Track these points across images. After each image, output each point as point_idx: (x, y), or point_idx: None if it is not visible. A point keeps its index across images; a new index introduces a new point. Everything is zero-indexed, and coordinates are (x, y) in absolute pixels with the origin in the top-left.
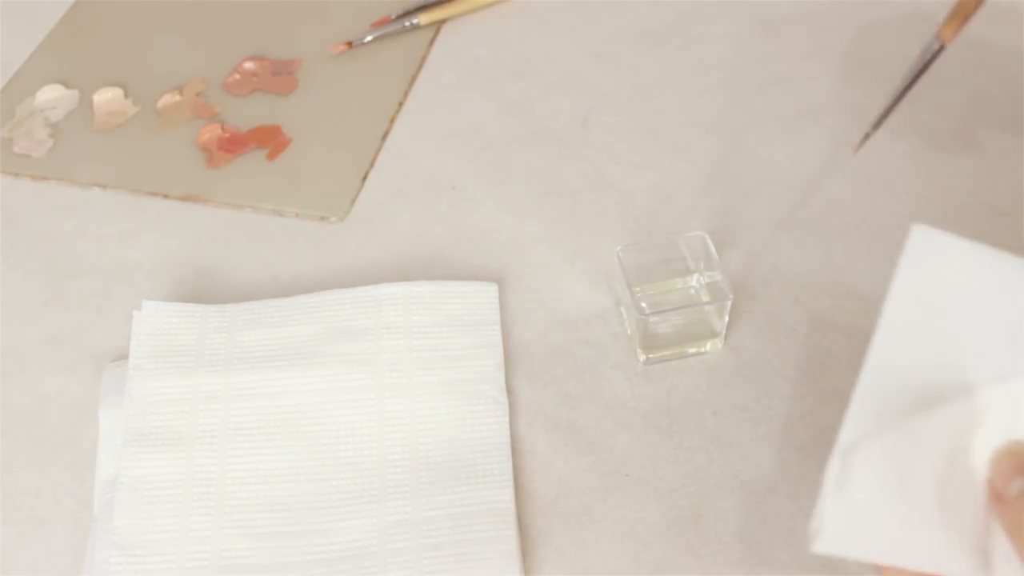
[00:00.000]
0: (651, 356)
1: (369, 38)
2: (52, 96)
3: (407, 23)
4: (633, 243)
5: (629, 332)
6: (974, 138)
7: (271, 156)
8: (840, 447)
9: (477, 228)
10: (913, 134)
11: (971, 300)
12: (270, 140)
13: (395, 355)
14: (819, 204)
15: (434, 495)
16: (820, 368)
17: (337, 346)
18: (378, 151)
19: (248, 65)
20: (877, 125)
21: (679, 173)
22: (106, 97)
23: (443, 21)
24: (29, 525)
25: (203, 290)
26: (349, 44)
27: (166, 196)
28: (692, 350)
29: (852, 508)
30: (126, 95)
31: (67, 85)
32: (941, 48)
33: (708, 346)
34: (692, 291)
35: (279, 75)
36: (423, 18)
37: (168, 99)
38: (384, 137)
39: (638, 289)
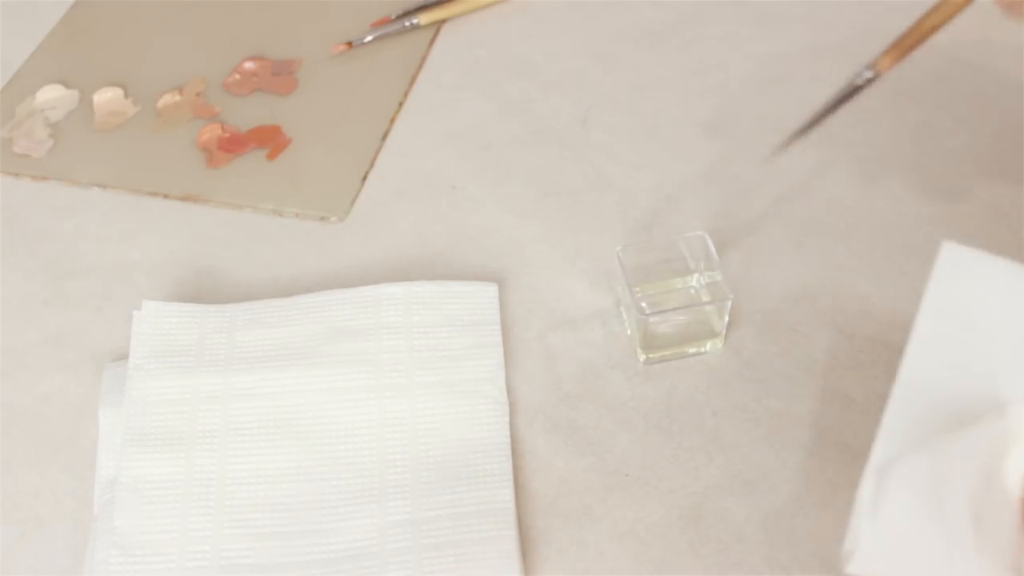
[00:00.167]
0: (651, 356)
1: (369, 38)
2: (52, 96)
3: (407, 23)
4: (633, 243)
5: (629, 332)
6: (974, 138)
7: (271, 156)
8: (872, 465)
9: (477, 228)
10: (913, 133)
11: (1002, 317)
12: (270, 140)
13: (395, 355)
14: (819, 204)
15: (434, 495)
16: (820, 368)
17: (337, 346)
18: (378, 151)
19: (248, 65)
20: (787, 145)
21: (679, 173)
22: (106, 97)
23: (443, 21)
24: (29, 525)
25: (203, 290)
26: (349, 44)
27: (166, 196)
28: (692, 350)
29: (887, 529)
30: (126, 95)
31: (67, 85)
32: (874, 78)
33: (708, 346)
34: (692, 291)
35: (279, 75)
36: (423, 18)
37: (168, 99)
38: (384, 137)
39: (638, 289)
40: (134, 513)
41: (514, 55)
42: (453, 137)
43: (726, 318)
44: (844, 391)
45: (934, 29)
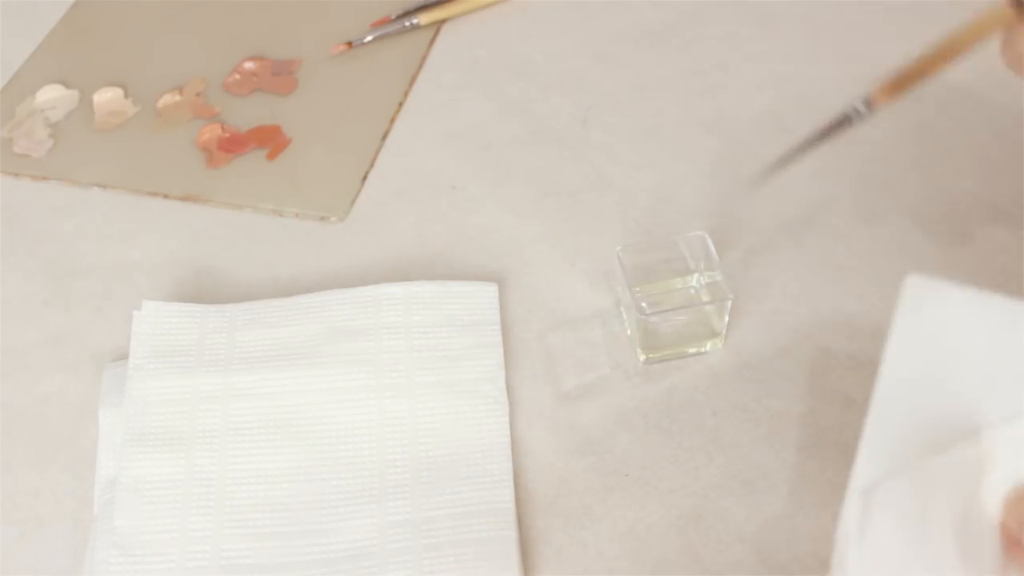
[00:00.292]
0: (651, 356)
1: (369, 38)
2: (52, 96)
3: (407, 23)
4: (633, 243)
5: (629, 332)
6: (974, 138)
7: (271, 156)
8: (853, 489)
9: (477, 228)
10: (913, 134)
11: (969, 346)
12: (270, 140)
13: (395, 355)
14: (819, 204)
15: (434, 495)
16: (820, 368)
17: (337, 346)
18: (378, 151)
19: (248, 65)
20: (769, 173)
21: (679, 173)
22: (106, 97)
23: (443, 21)
24: (29, 525)
25: (203, 290)
26: (349, 44)
27: (166, 196)
28: (692, 350)
29: (874, 554)
30: (126, 95)
31: (67, 85)
32: (867, 113)
33: (708, 346)
34: (692, 291)
35: (279, 75)
36: (423, 18)
37: (168, 99)
38: (384, 137)
39: (638, 289)
40: (134, 513)
41: (514, 55)
42: (453, 137)
43: (726, 318)
44: (844, 391)
45: (938, 68)
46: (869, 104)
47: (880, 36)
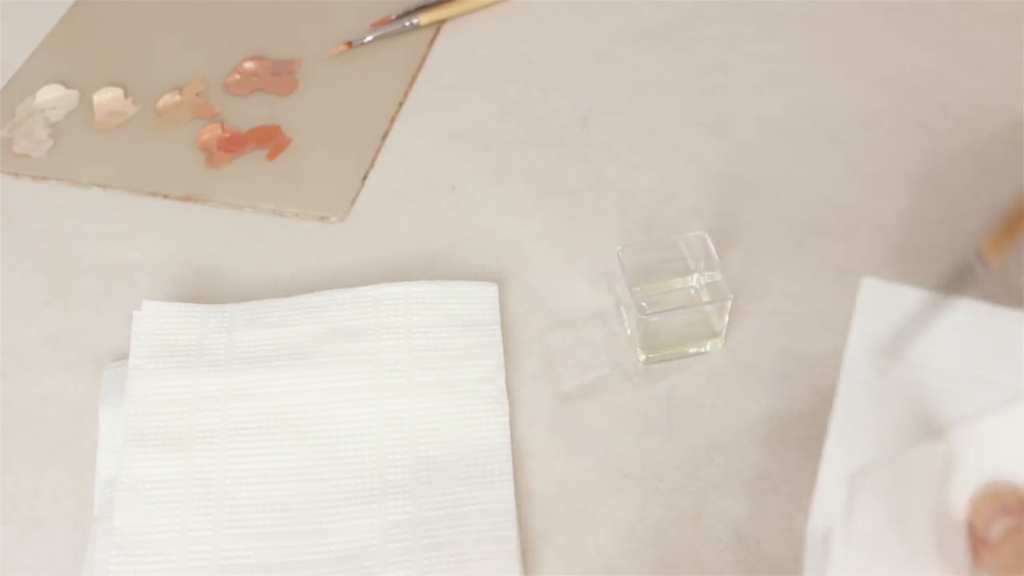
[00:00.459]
0: (651, 356)
1: (369, 38)
2: (52, 96)
3: (407, 23)
4: (633, 243)
5: (629, 332)
6: (974, 138)
7: (271, 156)
8: (821, 489)
9: (477, 228)
10: (913, 134)
11: (926, 347)
12: (270, 140)
13: (395, 355)
14: (819, 204)
15: (434, 495)
16: (820, 368)
17: (337, 346)
18: (378, 151)
19: (248, 65)
20: (901, 346)
21: (679, 173)
22: (106, 97)
23: (443, 21)
24: (29, 525)
25: (203, 290)
26: (349, 44)
27: (166, 196)
28: (692, 350)
29: (859, 538)
30: (126, 95)
31: (67, 85)
32: (982, 267)
33: (708, 346)
34: (692, 291)
35: (279, 75)
36: (423, 18)
37: (168, 99)
38: (384, 137)
39: (638, 289)
40: (134, 513)
41: (514, 55)
42: (453, 137)
43: (726, 318)
44: None
45: None
46: (981, 259)
47: (880, 36)
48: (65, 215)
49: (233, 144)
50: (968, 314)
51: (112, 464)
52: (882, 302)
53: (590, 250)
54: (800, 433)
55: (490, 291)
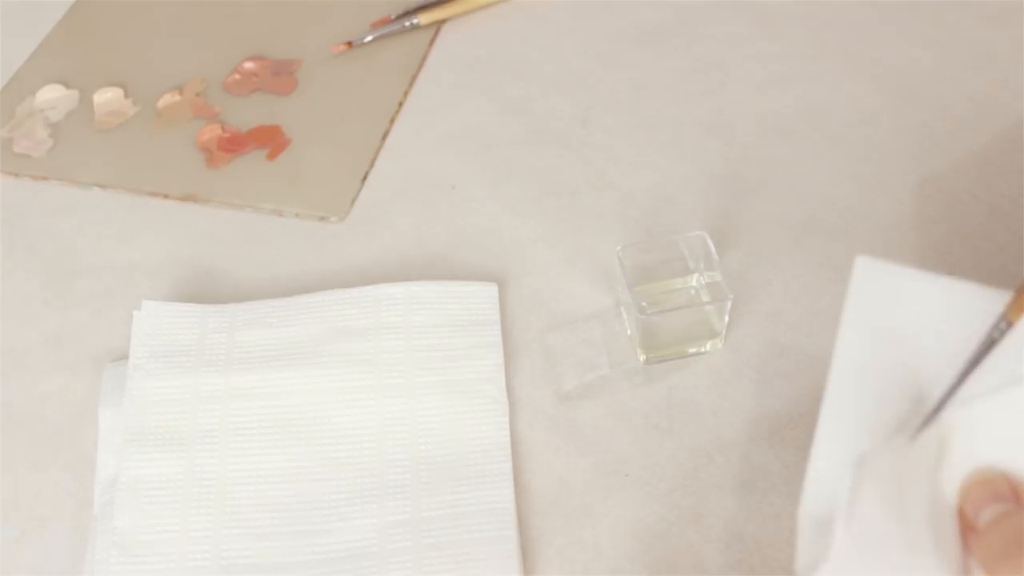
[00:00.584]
0: (651, 356)
1: (369, 38)
2: (52, 96)
3: (407, 23)
4: (633, 243)
5: (629, 332)
6: (974, 138)
7: (271, 156)
8: (811, 475)
9: (477, 228)
10: (913, 134)
11: (919, 328)
12: (270, 140)
13: (395, 355)
14: (819, 204)
15: (434, 495)
16: (820, 368)
17: (337, 346)
18: (378, 151)
19: (248, 65)
20: (937, 411)
21: (679, 173)
22: (106, 97)
23: (443, 21)
24: (29, 525)
25: (203, 290)
26: (349, 44)
27: (166, 196)
28: (692, 350)
29: (861, 525)
30: (126, 95)
31: (67, 85)
32: (1008, 327)
33: (708, 346)
34: (692, 291)
35: (279, 75)
36: (423, 18)
37: (168, 99)
38: (384, 137)
39: (638, 289)
40: (134, 513)
41: (514, 55)
42: (453, 137)
43: (726, 318)
44: None
45: None
46: (1008, 323)
47: (880, 36)
48: (65, 215)
49: (233, 144)
50: (965, 296)
51: (112, 464)
52: (876, 280)
53: (590, 250)
54: (800, 433)
55: (490, 291)
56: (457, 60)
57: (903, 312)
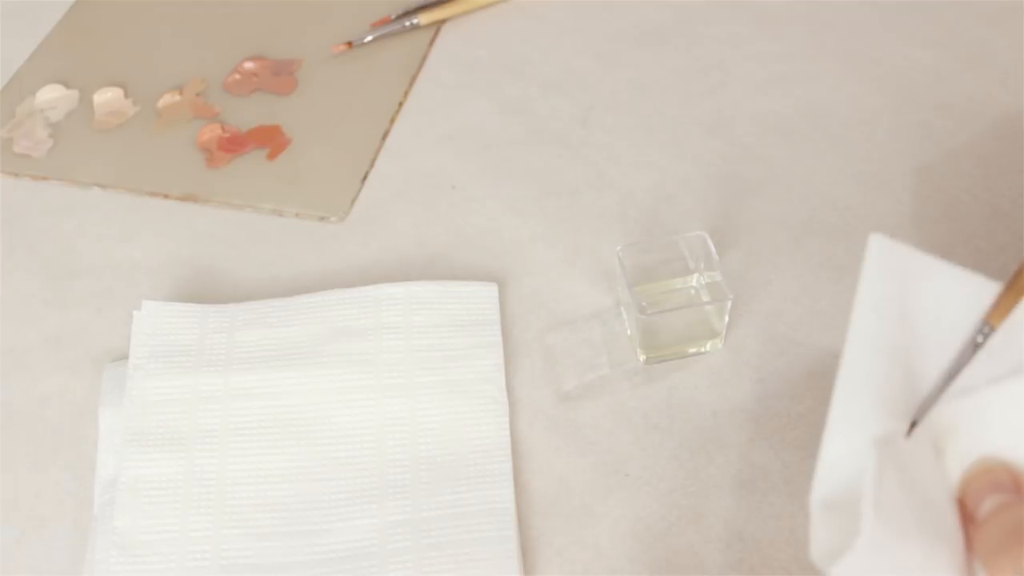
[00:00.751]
0: (651, 356)
1: (369, 38)
2: (52, 96)
3: (407, 23)
4: (633, 243)
5: (629, 332)
6: (974, 137)
7: (271, 156)
8: (822, 463)
9: (477, 228)
10: (913, 134)
11: (929, 315)
12: (270, 140)
13: (395, 355)
14: (819, 204)
15: (434, 495)
16: (820, 368)
17: (337, 346)
18: (378, 151)
19: (248, 65)
20: (920, 415)
21: (679, 173)
22: (106, 97)
23: (443, 21)
24: (29, 525)
25: (203, 290)
26: (349, 44)
27: (166, 196)
28: (692, 350)
29: (888, 509)
30: (126, 95)
31: (67, 85)
32: (991, 331)
33: (708, 346)
34: (692, 291)
35: (279, 75)
36: (423, 18)
37: (168, 99)
38: (384, 137)
39: (638, 289)
40: (134, 513)
41: (514, 55)
42: (453, 137)
43: (726, 318)
44: None
45: None
46: (990, 328)
47: (880, 36)
48: (65, 215)
49: (233, 144)
50: (973, 285)
51: (112, 464)
52: (890, 260)
53: (590, 250)
54: (800, 433)
55: (490, 291)
56: (457, 60)
57: (916, 295)
